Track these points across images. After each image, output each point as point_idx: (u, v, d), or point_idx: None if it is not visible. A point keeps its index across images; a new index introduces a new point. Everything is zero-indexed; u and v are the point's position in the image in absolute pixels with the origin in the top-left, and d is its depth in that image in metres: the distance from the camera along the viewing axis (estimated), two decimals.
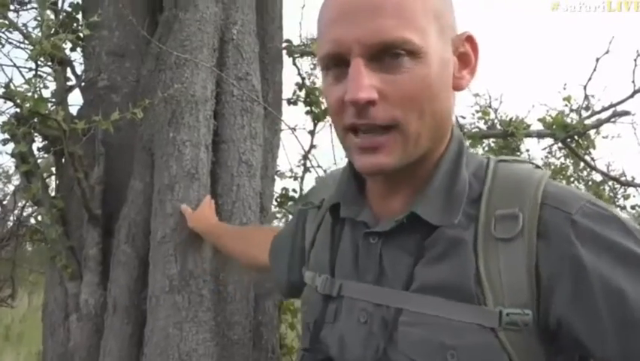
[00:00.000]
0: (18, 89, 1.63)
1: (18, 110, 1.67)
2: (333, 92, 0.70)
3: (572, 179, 7.31)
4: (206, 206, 1.60)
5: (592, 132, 2.94)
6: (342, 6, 0.68)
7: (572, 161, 6.80)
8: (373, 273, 0.76)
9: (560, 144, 2.76)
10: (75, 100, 2.12)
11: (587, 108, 2.75)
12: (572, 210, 0.66)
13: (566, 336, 0.65)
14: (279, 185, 2.40)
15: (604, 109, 2.45)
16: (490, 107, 2.81)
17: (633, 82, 2.37)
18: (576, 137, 2.38)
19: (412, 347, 0.69)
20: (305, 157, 2.48)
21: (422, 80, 0.66)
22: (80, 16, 2.03)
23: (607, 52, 2.31)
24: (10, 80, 1.62)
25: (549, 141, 2.71)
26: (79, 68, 2.01)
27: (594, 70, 2.35)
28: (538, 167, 0.75)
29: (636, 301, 0.60)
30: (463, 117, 2.89)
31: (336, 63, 0.69)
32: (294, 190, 2.44)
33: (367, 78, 0.65)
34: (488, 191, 0.71)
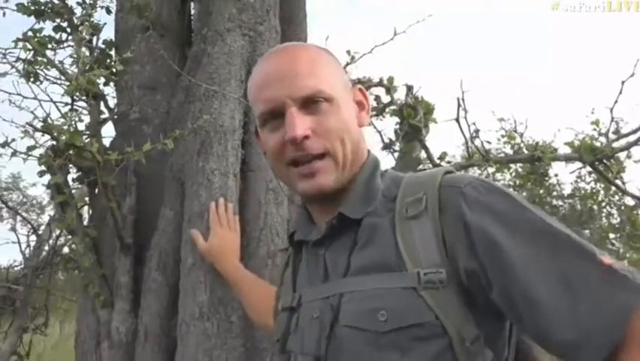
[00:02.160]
0: (55, 122, 1.70)
1: (54, 142, 1.74)
2: (272, 139, 0.92)
3: (603, 203, 7.18)
4: (228, 240, 1.56)
5: (622, 156, 2.90)
6: (269, 74, 0.93)
7: (602, 185, 6.68)
8: (321, 275, 0.91)
9: (588, 168, 2.72)
10: (108, 132, 2.20)
11: (616, 132, 2.72)
12: (462, 185, 0.83)
13: (475, 287, 0.78)
14: None
15: (632, 132, 2.42)
16: (515, 131, 2.80)
17: None
18: (604, 160, 2.35)
19: (351, 317, 0.82)
20: None
21: (337, 118, 0.90)
22: (112, 52, 2.12)
23: (632, 75, 2.29)
24: (48, 115, 1.69)
25: (577, 164, 2.68)
26: (111, 102, 2.10)
27: (620, 92, 2.33)
28: (443, 167, 0.95)
29: (509, 251, 0.75)
30: (489, 142, 2.88)
31: (273, 117, 0.91)
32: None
33: (302, 121, 0.88)
34: (402, 190, 0.89)
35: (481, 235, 0.78)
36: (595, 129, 2.82)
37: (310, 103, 0.89)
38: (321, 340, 0.84)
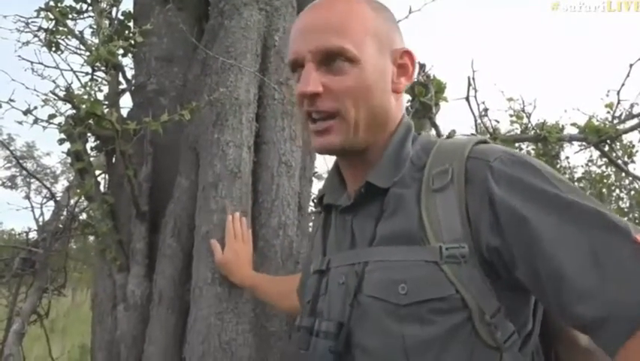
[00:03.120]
0: (76, 92, 1.75)
1: (75, 111, 1.80)
2: (296, 88, 0.91)
3: (613, 187, 7.17)
4: (242, 253, 1.61)
5: (635, 140, 2.91)
6: (300, 27, 0.91)
7: (613, 170, 6.66)
8: (348, 242, 0.93)
9: (593, 149, 2.74)
10: (125, 103, 2.25)
11: (630, 115, 2.73)
12: (491, 158, 0.81)
13: (497, 262, 0.77)
14: (316, 186, 2.47)
15: (638, 115, 2.43)
16: (523, 111, 2.82)
17: None
18: (609, 141, 2.37)
19: (373, 287, 0.84)
20: None
21: (357, 81, 0.87)
22: (131, 23, 2.16)
23: None
24: (70, 84, 1.74)
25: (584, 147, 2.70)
26: (129, 73, 2.14)
27: (627, 75, 2.33)
28: (474, 136, 0.94)
29: (537, 226, 0.73)
30: (497, 121, 2.90)
31: (297, 68, 0.91)
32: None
33: (314, 76, 0.87)
34: (431, 159, 0.88)
35: (507, 211, 0.76)
36: (609, 112, 2.83)
37: (331, 60, 0.87)
38: (345, 306, 0.87)
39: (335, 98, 0.87)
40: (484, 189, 0.78)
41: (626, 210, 7.01)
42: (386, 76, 0.91)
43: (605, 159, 5.97)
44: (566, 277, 0.70)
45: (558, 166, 6.36)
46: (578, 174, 6.75)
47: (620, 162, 2.59)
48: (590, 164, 6.31)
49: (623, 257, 0.68)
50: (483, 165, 0.80)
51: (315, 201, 1.25)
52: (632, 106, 2.69)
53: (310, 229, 1.34)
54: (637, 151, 3.11)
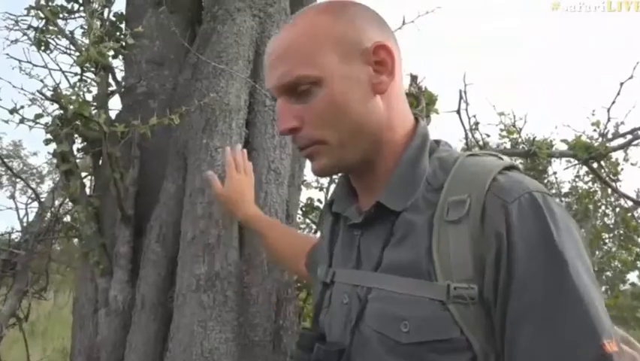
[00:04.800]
0: (64, 92, 1.73)
1: (62, 111, 1.77)
2: None
3: (599, 203, 7.23)
4: (246, 186, 1.57)
5: (619, 158, 2.94)
6: (265, 61, 0.89)
7: (599, 186, 6.73)
8: (353, 260, 0.89)
9: (584, 167, 2.77)
10: (114, 105, 2.24)
11: (616, 133, 2.76)
12: (510, 199, 0.74)
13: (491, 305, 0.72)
14: (304, 195, 2.46)
15: (627, 132, 2.46)
16: (514, 126, 2.84)
17: None
18: (598, 159, 2.39)
19: (374, 319, 0.80)
20: None
21: (326, 102, 0.82)
22: (122, 25, 2.14)
23: (631, 77, 2.32)
24: (58, 84, 1.71)
25: (573, 163, 2.72)
26: (119, 75, 2.12)
27: (618, 94, 2.36)
28: (501, 159, 0.83)
29: (519, 293, 0.69)
30: (488, 135, 2.92)
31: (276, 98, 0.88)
32: (319, 200, 2.49)
33: (287, 112, 0.84)
34: (450, 181, 0.80)
35: (506, 271, 0.71)
36: (595, 130, 2.86)
37: (295, 89, 0.83)
38: (346, 331, 0.85)
39: (312, 127, 0.83)
40: (494, 231, 0.72)
41: (611, 226, 7.07)
42: (359, 82, 0.83)
43: (591, 176, 6.03)
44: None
45: (545, 181, 6.41)
46: (565, 189, 6.81)
47: (608, 179, 2.61)
48: (577, 180, 6.37)
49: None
50: (500, 205, 0.73)
51: (324, 205, 1.22)
52: (617, 125, 2.73)
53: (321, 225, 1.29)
54: (622, 169, 3.15)
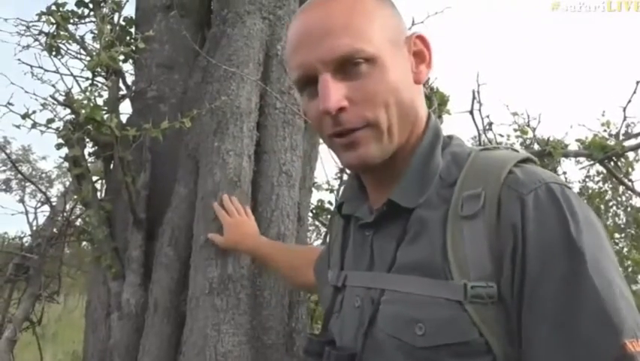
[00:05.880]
0: (75, 97, 1.73)
1: (74, 116, 1.78)
2: (311, 108, 0.82)
3: (610, 204, 7.18)
4: (243, 225, 1.59)
5: (631, 157, 2.91)
6: (299, 35, 0.80)
7: (610, 186, 6.68)
8: (366, 261, 0.85)
9: (597, 166, 2.74)
10: (124, 109, 2.24)
11: (626, 134, 2.73)
12: (525, 190, 0.70)
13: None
14: (315, 196, 2.46)
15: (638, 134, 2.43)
16: (528, 125, 2.81)
17: None
18: (614, 158, 2.36)
19: (388, 323, 0.77)
20: (342, 170, 2.53)
21: (381, 80, 0.76)
22: (132, 29, 2.15)
23: None
24: (70, 89, 1.72)
25: (587, 163, 2.70)
26: (129, 79, 2.13)
27: (634, 92, 2.33)
28: (515, 151, 0.81)
29: (533, 285, 0.66)
30: (502, 135, 2.89)
31: (307, 83, 0.80)
32: (329, 202, 2.49)
33: (334, 89, 0.76)
34: (463, 176, 0.77)
35: (521, 256, 0.68)
36: (605, 130, 2.83)
37: (347, 66, 0.76)
38: (358, 335, 0.81)
39: (362, 107, 0.76)
40: (511, 224, 0.69)
41: (622, 225, 7.01)
42: (406, 68, 0.81)
43: (602, 176, 5.98)
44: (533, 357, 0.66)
45: None
46: (575, 189, 6.77)
47: (627, 181, 2.58)
48: (587, 180, 6.33)
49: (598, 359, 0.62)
50: (515, 197, 0.70)
51: (333, 208, 1.18)
52: (628, 126, 2.70)
53: (328, 232, 1.31)
54: (634, 169, 3.12)
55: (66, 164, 1.91)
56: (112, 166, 1.99)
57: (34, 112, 1.73)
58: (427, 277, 0.73)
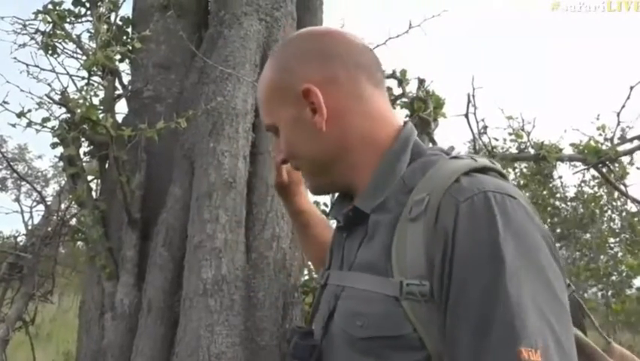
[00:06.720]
0: (71, 96, 1.73)
1: (69, 115, 1.77)
2: None
3: (605, 208, 7.19)
4: (300, 179, 1.43)
5: (625, 161, 2.92)
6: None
7: (605, 190, 6.70)
8: (339, 261, 0.93)
9: (593, 171, 2.75)
10: (120, 109, 2.25)
11: (621, 138, 2.74)
12: (462, 198, 0.73)
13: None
14: (311, 198, 2.45)
15: (635, 137, 2.44)
16: (522, 130, 2.82)
17: None
18: (608, 163, 2.37)
19: (340, 316, 0.84)
20: None
21: (285, 142, 0.94)
22: (129, 29, 2.14)
23: None
24: (66, 88, 1.72)
25: (582, 167, 2.70)
26: (126, 79, 2.12)
27: (628, 98, 2.34)
28: (475, 161, 0.83)
29: (469, 293, 0.68)
30: (496, 139, 2.90)
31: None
32: (325, 204, 2.49)
33: (277, 146, 0.97)
34: (421, 182, 0.81)
35: (449, 261, 0.71)
36: (601, 134, 2.84)
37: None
38: (321, 329, 0.88)
39: (289, 159, 0.97)
40: (444, 232, 0.72)
41: (617, 230, 7.03)
42: (304, 122, 0.90)
43: (597, 180, 6.00)
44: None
45: (551, 185, 6.38)
46: (571, 194, 6.78)
47: (621, 186, 2.59)
48: (582, 184, 6.35)
49: None
50: (452, 204, 0.73)
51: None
52: (623, 130, 2.71)
53: None
54: (628, 173, 3.13)
55: (62, 163, 1.91)
56: (107, 166, 1.99)
57: (29, 111, 1.73)
58: (375, 274, 0.79)
